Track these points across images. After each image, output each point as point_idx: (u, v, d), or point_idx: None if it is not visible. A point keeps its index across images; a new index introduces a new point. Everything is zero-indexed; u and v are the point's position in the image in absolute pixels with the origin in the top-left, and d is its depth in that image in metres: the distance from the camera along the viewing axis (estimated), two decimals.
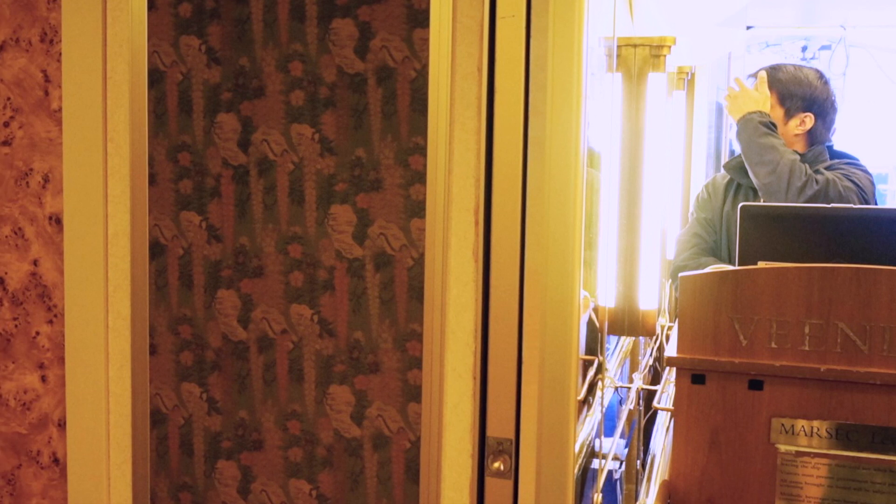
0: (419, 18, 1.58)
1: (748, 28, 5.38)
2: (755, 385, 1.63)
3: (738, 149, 2.53)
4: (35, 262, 1.67)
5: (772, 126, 2.44)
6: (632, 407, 2.48)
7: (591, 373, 1.73)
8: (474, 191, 1.54)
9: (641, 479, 2.37)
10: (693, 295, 1.61)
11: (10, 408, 1.72)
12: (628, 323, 2.10)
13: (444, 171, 1.55)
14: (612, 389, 1.97)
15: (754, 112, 2.42)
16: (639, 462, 2.59)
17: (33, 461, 1.72)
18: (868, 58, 6.33)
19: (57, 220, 1.65)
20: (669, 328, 2.62)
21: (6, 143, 1.67)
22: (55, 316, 1.68)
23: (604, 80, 1.80)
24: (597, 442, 1.76)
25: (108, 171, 1.73)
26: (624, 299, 2.05)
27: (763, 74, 2.53)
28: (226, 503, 1.72)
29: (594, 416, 1.79)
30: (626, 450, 2.35)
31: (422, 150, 1.55)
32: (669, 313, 2.82)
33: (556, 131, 1.43)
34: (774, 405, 1.60)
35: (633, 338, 2.46)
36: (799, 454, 1.59)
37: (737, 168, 2.54)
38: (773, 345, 1.58)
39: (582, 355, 1.56)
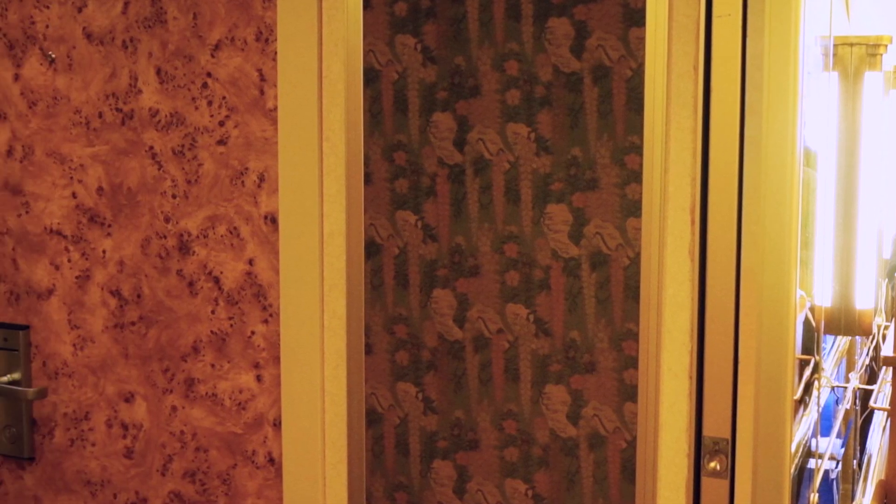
0: (635, 17, 2.27)
1: None
2: None
3: None
4: (250, 262, 2.32)
5: None
6: (848, 406, 2.95)
7: (807, 372, 2.33)
8: (690, 190, 1.95)
9: (858, 479, 2.95)
10: None
11: (226, 407, 2.37)
12: (844, 322, 2.68)
13: (661, 170, 2.21)
14: (829, 389, 2.58)
15: None
16: (855, 462, 3.19)
17: (248, 461, 2.37)
18: None
19: (272, 220, 2.28)
20: (886, 328, 3.28)
21: (221, 142, 2.31)
22: (270, 315, 2.31)
23: (820, 79, 2.27)
24: (813, 441, 2.28)
25: (324, 170, 2.20)
26: (840, 299, 2.65)
27: None
28: (442, 503, 2.48)
29: (810, 416, 2.22)
30: (843, 449, 2.95)
31: (637, 150, 2.23)
32: (886, 313, 3.44)
33: (772, 130, 1.89)
34: None
35: (850, 337, 3.09)
36: None
37: None
38: None
39: (798, 355, 2.17)
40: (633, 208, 2.08)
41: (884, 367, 2.72)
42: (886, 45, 2.49)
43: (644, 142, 2.06)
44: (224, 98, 2.35)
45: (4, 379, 2.58)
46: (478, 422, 2.24)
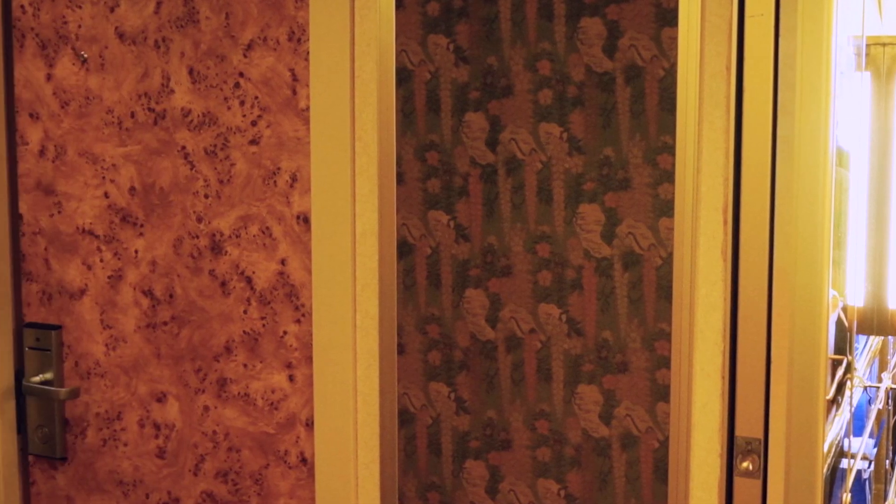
0: (667, 17, 2.35)
1: None
2: None
3: None
4: (283, 262, 2.39)
5: None
6: (881, 406, 3.01)
7: (839, 372, 2.41)
8: (723, 190, 2.00)
9: (890, 479, 3.04)
10: None
11: (258, 407, 2.45)
12: (877, 322, 2.75)
13: (693, 170, 2.28)
14: (861, 389, 2.70)
15: None
16: (888, 462, 3.27)
17: (281, 461, 2.44)
18: None
19: (304, 220, 2.36)
20: None
21: (254, 141, 2.39)
22: (303, 315, 2.39)
23: (852, 78, 2.49)
24: (845, 441, 2.36)
25: (356, 170, 2.27)
26: (873, 298, 2.73)
27: None
28: (474, 503, 2.58)
29: (843, 416, 2.28)
30: (875, 449, 3.06)
31: (670, 149, 2.33)
32: None
33: (804, 130, 1.94)
34: None
35: (882, 337, 3.20)
36: None
37: None
38: None
39: (831, 355, 2.27)
40: (666, 208, 2.16)
41: None
42: None
43: (676, 142, 2.14)
44: (256, 98, 2.43)
45: (37, 379, 2.67)
46: (510, 422, 2.32)
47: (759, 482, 2.08)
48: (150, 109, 2.49)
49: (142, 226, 2.51)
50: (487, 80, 2.26)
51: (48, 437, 2.65)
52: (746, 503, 2.10)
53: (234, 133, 2.43)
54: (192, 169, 2.47)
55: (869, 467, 2.85)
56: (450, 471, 2.36)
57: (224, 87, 2.44)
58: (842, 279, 2.40)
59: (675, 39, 2.12)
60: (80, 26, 2.52)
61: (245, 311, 2.46)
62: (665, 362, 2.15)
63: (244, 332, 2.46)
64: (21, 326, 2.66)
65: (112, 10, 2.50)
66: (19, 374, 2.67)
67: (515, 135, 2.26)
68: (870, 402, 2.98)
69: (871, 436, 2.91)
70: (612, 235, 2.17)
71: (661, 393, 2.17)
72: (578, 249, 2.21)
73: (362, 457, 2.38)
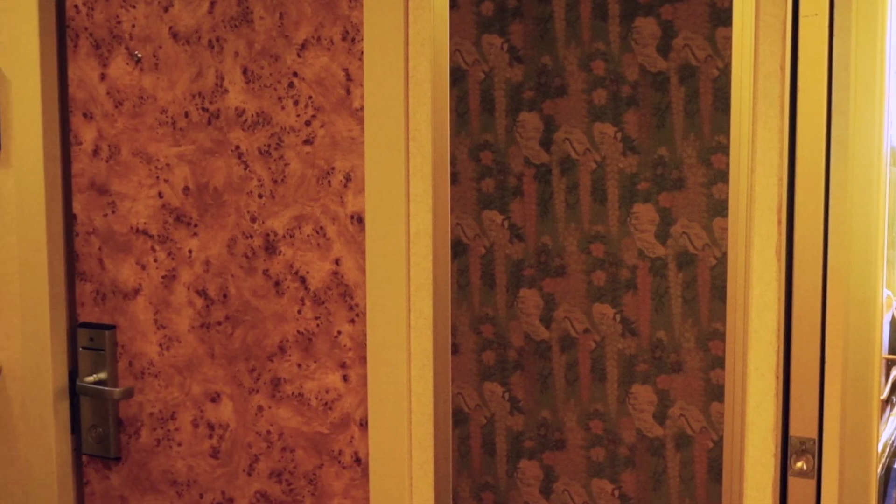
0: (721, 17, 2.46)
1: None
2: None
3: None
4: (337, 262, 2.48)
5: None
6: None
7: (894, 372, 2.54)
8: (777, 189, 2.07)
9: None
10: None
11: (312, 407, 2.54)
12: None
13: (747, 170, 2.27)
14: None
15: None
16: None
17: (335, 461, 2.53)
18: None
19: (358, 219, 2.44)
20: None
21: (308, 141, 2.48)
22: (357, 315, 2.47)
23: None
24: None
25: (410, 170, 2.35)
26: None
27: None
28: (528, 503, 2.71)
29: None
30: None
31: (724, 149, 2.44)
32: None
33: (859, 129, 2.01)
34: None
35: None
36: None
37: None
38: None
39: (885, 354, 2.37)
40: (720, 208, 2.27)
41: None
42: None
43: (731, 141, 2.23)
44: (310, 98, 2.53)
45: (91, 379, 2.79)
46: (564, 422, 2.43)
47: (813, 482, 2.17)
48: (203, 109, 2.60)
49: (196, 225, 2.63)
50: (542, 79, 2.38)
51: (102, 437, 2.79)
52: (801, 503, 2.21)
53: (288, 133, 2.54)
54: (245, 169, 2.59)
55: None
56: (504, 471, 2.47)
57: (278, 86, 2.55)
58: None
59: (729, 39, 2.23)
60: (133, 26, 2.65)
61: (299, 311, 2.57)
62: (719, 362, 2.27)
63: (298, 331, 2.58)
64: (75, 326, 2.79)
65: (166, 9, 2.62)
66: (73, 374, 2.80)
67: (570, 134, 2.37)
68: None
69: None
70: (666, 235, 2.29)
71: (716, 393, 2.28)
72: (633, 249, 2.33)
73: (416, 457, 2.49)
